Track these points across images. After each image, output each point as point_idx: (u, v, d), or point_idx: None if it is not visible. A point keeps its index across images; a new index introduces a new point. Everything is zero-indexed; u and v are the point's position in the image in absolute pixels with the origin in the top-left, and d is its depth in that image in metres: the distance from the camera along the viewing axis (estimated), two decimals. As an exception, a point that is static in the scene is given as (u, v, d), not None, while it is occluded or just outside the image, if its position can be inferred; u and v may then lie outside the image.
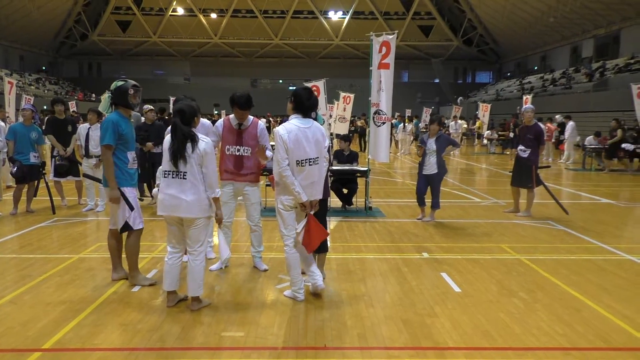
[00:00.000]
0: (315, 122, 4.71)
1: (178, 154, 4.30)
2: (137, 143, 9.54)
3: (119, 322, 4.26)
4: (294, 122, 4.56)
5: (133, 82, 5.12)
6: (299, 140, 4.49)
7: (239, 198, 5.75)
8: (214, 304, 4.70)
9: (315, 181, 4.64)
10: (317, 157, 4.61)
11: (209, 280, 5.37)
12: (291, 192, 4.56)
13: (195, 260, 4.49)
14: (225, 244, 4.88)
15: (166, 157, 4.40)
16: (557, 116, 20.57)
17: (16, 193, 8.73)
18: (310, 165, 4.56)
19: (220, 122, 5.69)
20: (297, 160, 4.50)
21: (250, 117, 5.53)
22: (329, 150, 5.09)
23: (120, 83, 5.08)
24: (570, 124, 19.10)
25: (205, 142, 4.38)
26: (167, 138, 4.46)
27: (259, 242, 5.77)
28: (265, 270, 5.68)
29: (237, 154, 5.48)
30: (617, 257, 6.44)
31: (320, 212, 4.97)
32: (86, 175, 7.87)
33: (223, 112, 38.45)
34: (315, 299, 4.84)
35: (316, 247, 4.75)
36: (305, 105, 4.62)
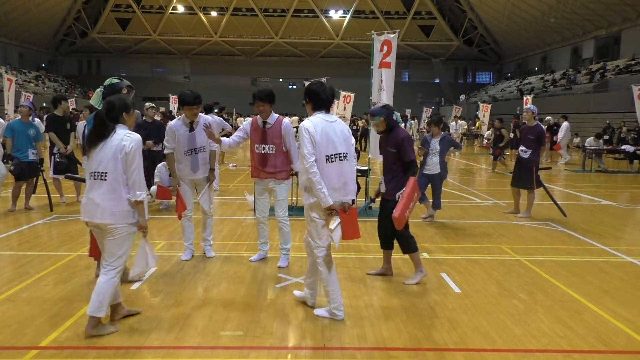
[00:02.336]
0: (339, 118, 4.50)
1: (91, 149, 3.86)
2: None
3: (117, 320, 4.22)
4: (319, 116, 4.24)
5: (128, 83, 5.08)
6: (328, 133, 4.16)
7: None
8: (213, 302, 4.68)
9: (348, 180, 4.27)
10: (347, 153, 4.26)
11: (208, 279, 5.35)
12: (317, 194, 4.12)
13: (105, 275, 3.91)
14: (151, 255, 4.16)
15: (86, 154, 3.99)
16: (547, 117, 20.53)
17: (15, 190, 8.70)
18: (341, 160, 4.20)
19: (248, 120, 5.95)
20: (326, 156, 4.13)
21: (275, 115, 5.69)
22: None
23: (115, 81, 5.04)
24: (565, 125, 19.07)
25: (130, 138, 3.89)
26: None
27: (285, 239, 5.84)
28: (284, 267, 5.74)
29: (263, 152, 5.64)
30: (617, 259, 6.42)
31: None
32: (69, 177, 7.82)
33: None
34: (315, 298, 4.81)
35: (349, 238, 4.30)
36: (323, 99, 4.27)
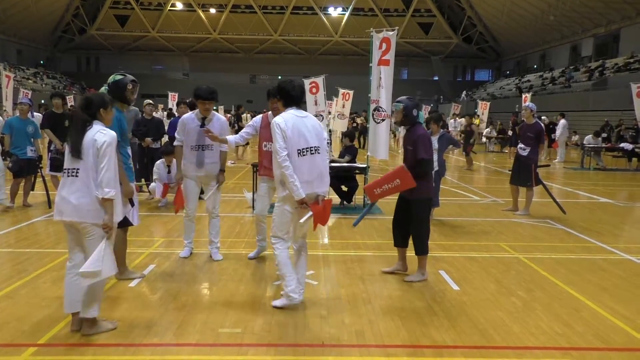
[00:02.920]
0: (310, 114, 4.56)
1: (78, 149, 3.72)
2: (135, 138, 9.56)
3: (116, 317, 4.22)
4: (291, 112, 4.38)
5: (132, 77, 5.04)
6: (298, 128, 4.28)
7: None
8: (211, 300, 4.68)
9: (321, 173, 4.40)
10: (319, 147, 4.39)
11: (207, 276, 5.35)
12: (289, 187, 4.23)
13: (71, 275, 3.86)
14: (111, 259, 3.82)
15: (67, 152, 3.85)
16: (542, 117, 20.54)
17: (13, 187, 8.68)
18: (312, 154, 4.32)
19: (259, 117, 5.86)
20: (298, 150, 4.25)
21: None
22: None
23: (118, 77, 4.99)
24: (562, 122, 19.06)
25: (104, 133, 3.75)
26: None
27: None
28: None
29: (272, 150, 5.53)
30: (616, 256, 6.42)
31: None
32: None
33: (221, 107, 38.32)
34: (313, 296, 4.82)
35: (321, 224, 4.46)
36: (293, 95, 4.42)
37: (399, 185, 5.17)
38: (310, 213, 4.33)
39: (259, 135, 5.77)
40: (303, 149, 4.29)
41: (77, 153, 3.72)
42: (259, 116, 5.88)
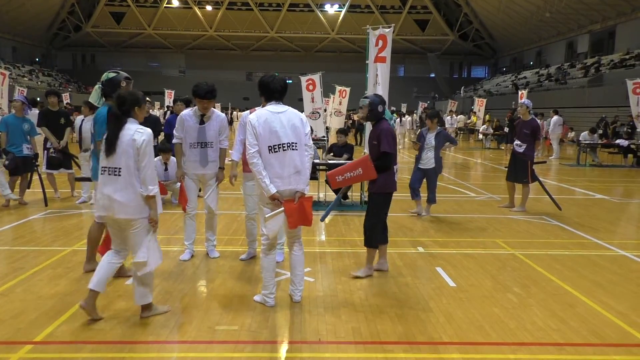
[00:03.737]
0: (291, 108, 4.46)
1: (113, 145, 3.91)
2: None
3: (112, 315, 4.23)
4: (267, 108, 4.36)
5: (125, 75, 5.04)
6: (270, 124, 4.23)
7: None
8: (208, 297, 4.68)
9: (300, 170, 4.32)
10: (296, 142, 4.30)
11: (204, 274, 5.35)
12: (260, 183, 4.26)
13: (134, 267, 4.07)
14: (157, 251, 4.13)
15: (102, 150, 4.02)
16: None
17: (9, 185, 8.65)
18: (284, 150, 4.25)
19: (245, 114, 5.81)
20: (269, 147, 4.21)
21: None
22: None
23: (112, 74, 4.99)
24: (554, 119, 19.11)
25: (142, 132, 3.94)
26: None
27: (279, 234, 5.76)
28: (279, 262, 5.61)
29: None
30: (611, 252, 6.46)
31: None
32: (78, 179, 7.81)
33: (218, 105, 38.29)
34: (310, 292, 4.83)
35: (295, 226, 4.41)
36: (272, 89, 4.40)
37: (360, 175, 5.21)
38: (281, 209, 4.30)
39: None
40: (275, 145, 4.24)
41: (112, 149, 3.90)
42: (246, 113, 5.81)
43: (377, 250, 5.50)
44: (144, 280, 4.09)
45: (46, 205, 8.60)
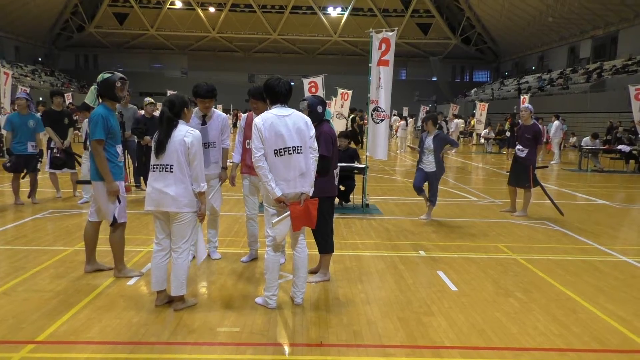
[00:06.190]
0: (297, 111, 4.52)
1: (163, 145, 4.26)
2: (134, 136, 9.56)
3: (114, 315, 4.23)
4: (272, 111, 4.38)
5: (120, 75, 5.06)
6: (276, 128, 4.26)
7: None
8: (210, 299, 4.68)
9: (304, 173, 4.37)
10: (301, 146, 4.34)
11: (205, 276, 5.35)
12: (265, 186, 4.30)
13: (179, 257, 4.35)
14: (203, 244, 4.57)
15: (153, 150, 4.36)
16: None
17: (14, 184, 8.70)
18: (290, 154, 4.29)
19: (244, 116, 5.89)
20: (274, 150, 4.25)
21: None
22: (333, 143, 5.11)
23: (107, 75, 5.03)
24: (555, 124, 19.11)
25: (192, 134, 4.30)
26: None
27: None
28: (280, 264, 5.65)
29: None
30: (612, 258, 6.45)
31: (324, 210, 4.89)
32: (79, 182, 7.83)
33: (220, 106, 38.37)
34: (312, 295, 4.82)
35: (299, 228, 4.44)
36: (277, 92, 4.41)
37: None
38: (287, 212, 4.33)
39: (244, 134, 5.73)
40: (280, 149, 4.28)
41: (162, 149, 4.27)
42: (245, 115, 5.90)
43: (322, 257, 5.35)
44: (183, 273, 4.36)
45: (28, 197, 8.75)
